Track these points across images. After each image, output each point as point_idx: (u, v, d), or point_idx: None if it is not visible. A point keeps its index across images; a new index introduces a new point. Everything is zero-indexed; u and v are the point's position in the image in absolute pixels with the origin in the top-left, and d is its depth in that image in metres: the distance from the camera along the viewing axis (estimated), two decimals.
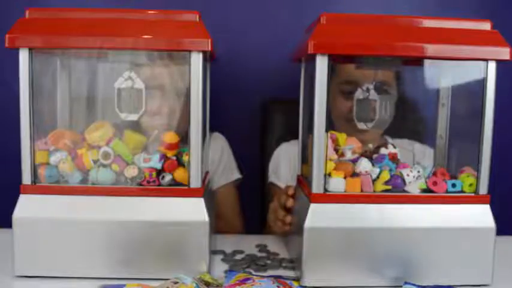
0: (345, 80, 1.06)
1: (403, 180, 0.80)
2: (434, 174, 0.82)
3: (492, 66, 0.76)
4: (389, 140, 0.91)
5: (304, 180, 0.89)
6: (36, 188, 0.78)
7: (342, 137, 0.86)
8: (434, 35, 0.77)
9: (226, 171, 1.29)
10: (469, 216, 0.79)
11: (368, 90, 0.86)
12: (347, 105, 1.08)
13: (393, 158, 0.82)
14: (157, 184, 0.79)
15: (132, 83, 0.80)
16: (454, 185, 0.80)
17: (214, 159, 1.25)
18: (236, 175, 1.31)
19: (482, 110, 0.77)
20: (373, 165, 0.80)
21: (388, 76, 1.05)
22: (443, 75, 0.91)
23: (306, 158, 0.90)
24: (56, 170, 0.79)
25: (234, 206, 1.30)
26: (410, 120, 0.94)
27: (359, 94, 0.86)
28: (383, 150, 0.84)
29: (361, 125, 0.86)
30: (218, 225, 0.99)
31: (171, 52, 0.84)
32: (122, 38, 0.75)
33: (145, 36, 0.76)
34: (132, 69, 0.82)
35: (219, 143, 1.29)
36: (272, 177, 1.27)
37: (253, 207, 1.28)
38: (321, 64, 0.74)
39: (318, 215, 0.77)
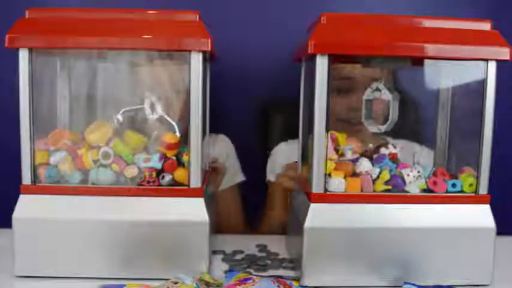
0: (340, 76, 1.06)
1: (403, 180, 0.79)
2: (435, 174, 0.82)
3: (492, 66, 0.76)
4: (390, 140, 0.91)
5: (304, 180, 0.88)
6: (36, 188, 0.78)
7: (342, 137, 0.86)
8: (434, 35, 0.77)
9: (231, 173, 1.28)
10: (469, 216, 0.79)
11: (379, 89, 0.84)
12: (343, 104, 1.08)
13: (393, 158, 0.82)
14: (157, 184, 0.79)
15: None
16: (454, 185, 0.80)
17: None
18: (240, 177, 1.31)
19: (482, 110, 0.77)
20: (373, 165, 0.80)
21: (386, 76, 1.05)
22: (443, 75, 0.91)
23: (306, 158, 0.90)
24: (56, 170, 0.79)
25: (237, 208, 1.30)
26: (410, 120, 0.94)
27: (369, 94, 0.85)
28: (383, 150, 0.84)
29: (373, 128, 0.86)
30: (221, 227, 1.00)
31: (171, 52, 0.84)
32: (122, 38, 0.75)
33: (145, 36, 0.75)
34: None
35: (225, 146, 1.29)
36: (270, 176, 1.28)
37: (256, 207, 1.28)
38: (321, 64, 0.74)
39: (318, 215, 0.77)
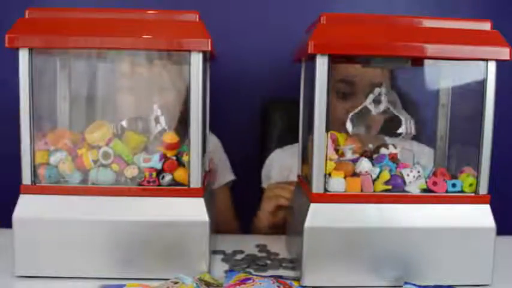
0: (340, 79, 1.06)
1: (403, 180, 0.79)
2: (435, 174, 0.82)
3: (492, 66, 0.76)
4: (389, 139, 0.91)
5: (304, 180, 0.89)
6: (36, 188, 0.78)
7: (342, 137, 0.86)
8: (434, 35, 0.77)
9: (219, 172, 1.28)
10: (469, 216, 0.79)
11: (379, 98, 0.83)
12: (344, 107, 1.07)
13: (393, 158, 0.82)
14: (157, 184, 0.79)
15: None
16: (454, 185, 0.80)
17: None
18: (230, 177, 1.30)
19: (482, 110, 0.77)
20: (373, 165, 0.80)
21: (385, 76, 1.05)
22: (443, 75, 0.91)
23: (306, 158, 0.90)
24: (56, 170, 0.79)
25: (229, 209, 1.29)
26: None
27: (369, 102, 0.84)
28: (383, 150, 0.84)
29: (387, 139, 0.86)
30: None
31: (171, 52, 0.84)
32: (122, 38, 0.75)
33: (145, 36, 0.76)
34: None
35: (211, 144, 1.27)
36: (264, 183, 1.27)
37: (252, 209, 1.28)
38: (321, 64, 0.74)
39: (318, 215, 0.77)
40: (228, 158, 1.31)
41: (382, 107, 0.84)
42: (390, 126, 0.86)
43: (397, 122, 0.85)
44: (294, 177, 0.99)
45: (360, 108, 0.84)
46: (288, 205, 1.01)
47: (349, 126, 0.84)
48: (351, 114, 0.84)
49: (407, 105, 0.85)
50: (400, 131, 0.83)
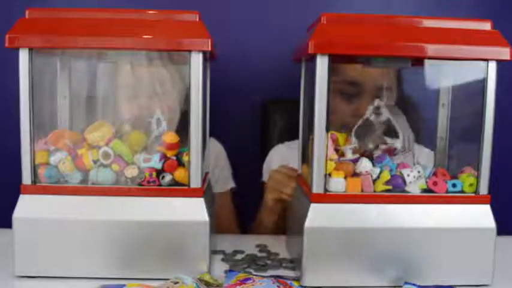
0: (346, 80, 1.06)
1: (404, 180, 0.79)
2: (435, 174, 0.82)
3: (492, 66, 0.76)
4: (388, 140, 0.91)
5: (304, 180, 0.89)
6: (36, 188, 0.78)
7: (342, 137, 0.86)
8: (435, 35, 0.77)
9: (221, 180, 1.27)
10: (469, 216, 0.79)
11: (379, 110, 0.84)
12: (348, 109, 1.07)
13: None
14: (158, 184, 0.79)
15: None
16: (454, 185, 0.80)
17: (208, 165, 1.23)
18: (231, 184, 1.29)
19: (482, 110, 0.77)
20: (373, 165, 0.80)
21: (389, 77, 1.05)
22: (443, 75, 0.91)
23: (306, 158, 0.90)
24: (56, 170, 0.79)
25: (230, 217, 1.28)
26: (410, 120, 0.94)
27: (370, 113, 0.84)
28: (382, 146, 0.84)
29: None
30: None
31: (171, 52, 0.84)
32: (122, 38, 0.75)
33: (145, 36, 0.76)
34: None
35: (214, 150, 1.26)
36: (265, 177, 1.27)
37: (253, 210, 1.28)
38: (321, 64, 0.74)
39: (318, 215, 0.77)
40: (230, 165, 1.31)
41: (383, 117, 0.84)
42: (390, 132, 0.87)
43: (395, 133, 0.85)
44: None
45: (362, 120, 0.85)
46: (289, 200, 1.00)
47: (353, 139, 0.85)
48: (355, 127, 0.85)
49: (407, 105, 0.85)
50: (397, 145, 0.84)
